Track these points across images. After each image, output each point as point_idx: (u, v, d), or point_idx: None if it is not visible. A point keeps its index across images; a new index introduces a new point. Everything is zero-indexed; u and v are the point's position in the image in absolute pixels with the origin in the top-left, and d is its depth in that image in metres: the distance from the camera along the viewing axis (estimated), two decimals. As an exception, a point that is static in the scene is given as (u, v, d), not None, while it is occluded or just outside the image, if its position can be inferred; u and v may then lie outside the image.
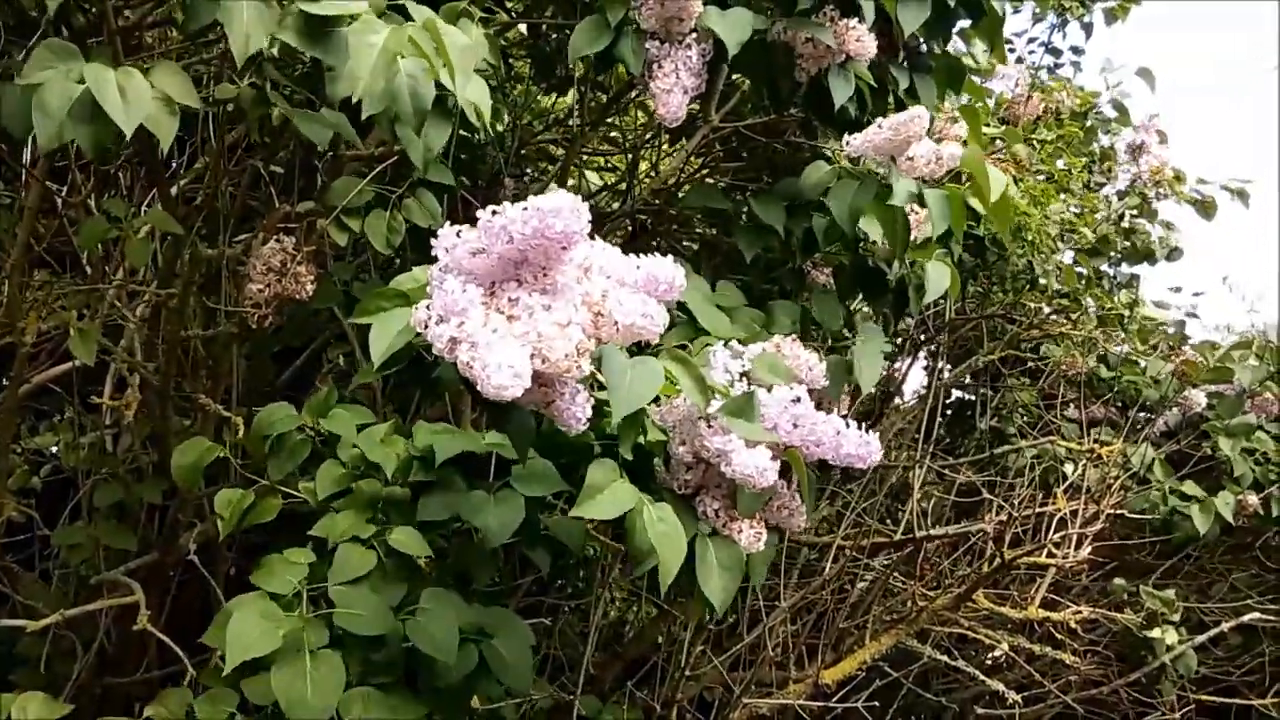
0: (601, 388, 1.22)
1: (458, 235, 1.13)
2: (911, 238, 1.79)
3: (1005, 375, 3.02)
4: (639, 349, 1.27)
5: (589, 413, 1.19)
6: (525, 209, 1.08)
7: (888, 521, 2.81)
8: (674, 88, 1.67)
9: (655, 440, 1.38)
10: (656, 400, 1.34)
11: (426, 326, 1.10)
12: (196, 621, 1.71)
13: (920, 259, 1.89)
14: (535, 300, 1.11)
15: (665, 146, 2.39)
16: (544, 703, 2.12)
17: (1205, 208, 3.04)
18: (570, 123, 2.28)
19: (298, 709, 1.20)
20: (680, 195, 2.19)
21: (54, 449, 1.80)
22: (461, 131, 1.63)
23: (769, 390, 1.32)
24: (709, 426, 1.29)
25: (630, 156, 2.40)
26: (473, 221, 1.15)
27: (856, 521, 2.62)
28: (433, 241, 1.15)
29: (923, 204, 1.74)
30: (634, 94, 2.16)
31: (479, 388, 1.07)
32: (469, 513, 1.42)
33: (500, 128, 1.87)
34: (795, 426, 1.31)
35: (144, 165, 1.58)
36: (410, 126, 1.23)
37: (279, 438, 1.51)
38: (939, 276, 1.87)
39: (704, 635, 2.45)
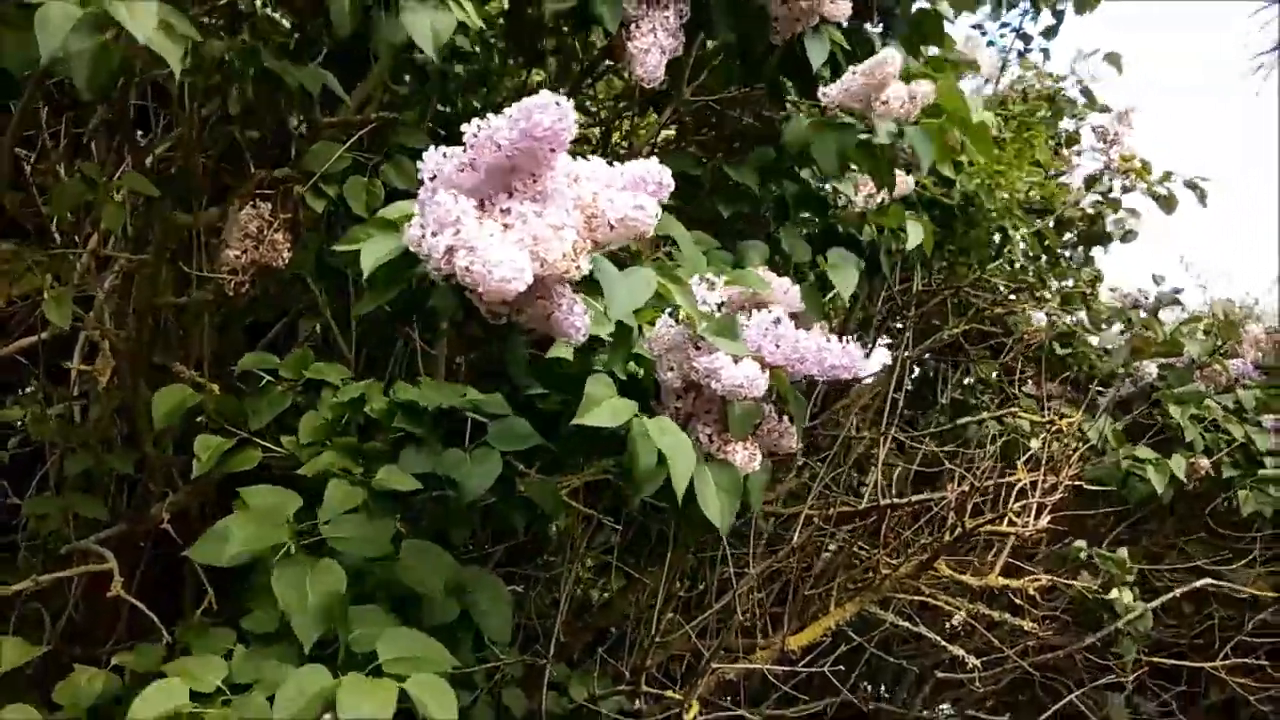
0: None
1: (443, 155, 1.13)
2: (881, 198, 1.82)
3: (967, 349, 3.08)
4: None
5: (588, 322, 1.20)
6: (510, 114, 1.08)
7: (852, 494, 2.85)
8: (652, 47, 1.68)
9: (645, 369, 1.39)
10: (642, 330, 1.36)
11: (420, 243, 1.10)
12: (167, 594, 1.70)
13: (888, 223, 1.92)
14: (528, 207, 1.11)
15: (638, 120, 2.39)
16: (514, 670, 2.14)
17: (1166, 202, 3.13)
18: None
19: (299, 613, 1.20)
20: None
21: (20, 422, 1.77)
22: (440, 107, 1.63)
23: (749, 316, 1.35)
24: (696, 349, 1.31)
25: (603, 128, 2.40)
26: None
27: (822, 493, 2.66)
28: (418, 165, 1.15)
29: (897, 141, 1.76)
30: (606, 66, 2.16)
31: (481, 288, 1.07)
32: (447, 467, 1.44)
33: (477, 102, 1.86)
34: (778, 346, 1.33)
35: (117, 132, 1.55)
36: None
37: (260, 389, 1.51)
38: (915, 231, 1.90)
39: (673, 604, 2.48)
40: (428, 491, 1.46)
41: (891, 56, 1.67)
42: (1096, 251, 3.17)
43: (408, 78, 1.73)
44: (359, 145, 1.54)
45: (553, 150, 1.10)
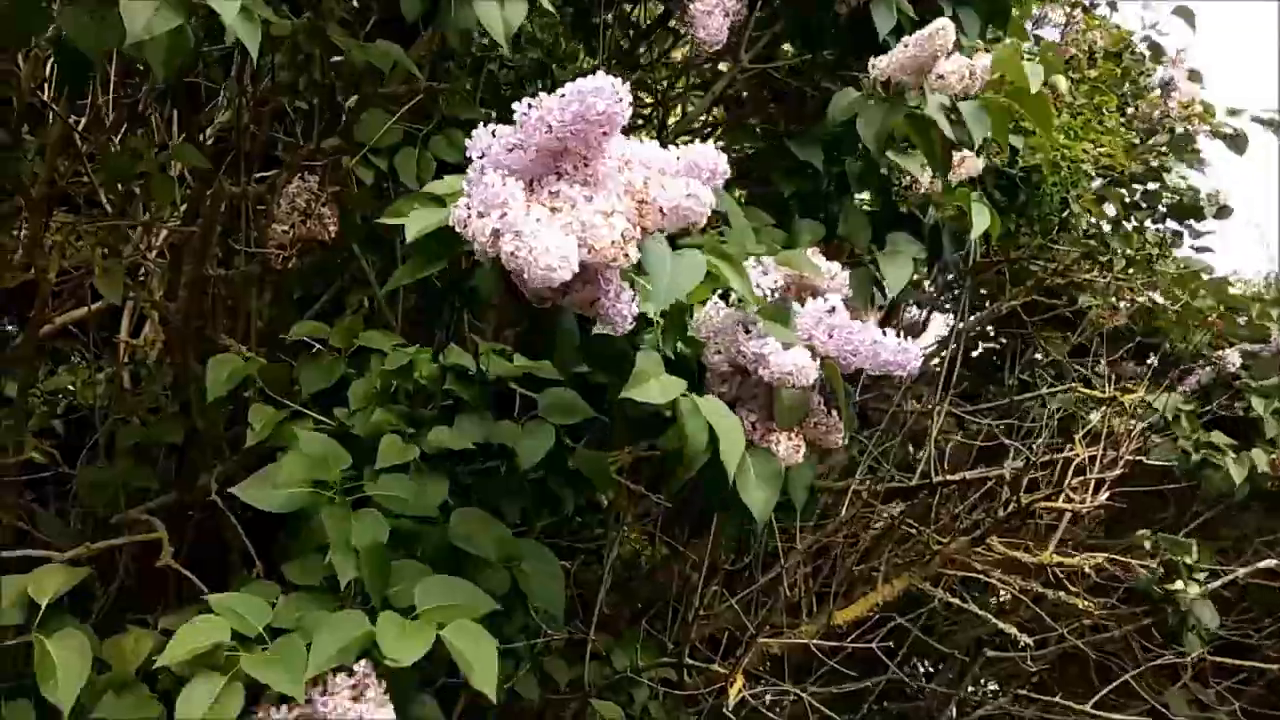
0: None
1: (493, 134, 1.10)
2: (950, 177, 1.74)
3: (1030, 324, 2.98)
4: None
5: (635, 309, 1.16)
6: (563, 94, 1.04)
7: (904, 469, 2.80)
8: (714, 9, 1.62)
9: (694, 350, 1.35)
10: (691, 311, 1.32)
11: (466, 224, 1.07)
12: (215, 564, 1.71)
13: (952, 201, 1.84)
14: (577, 191, 1.07)
15: (693, 93, 2.32)
16: (557, 642, 2.14)
17: (1236, 142, 2.97)
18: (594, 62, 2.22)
19: (342, 549, 1.19)
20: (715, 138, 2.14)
21: (71, 391, 1.79)
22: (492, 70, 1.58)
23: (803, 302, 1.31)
24: (746, 333, 1.27)
25: (659, 104, 2.33)
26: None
27: (872, 467, 2.61)
28: (467, 143, 1.12)
29: (952, 120, 1.68)
30: (664, 40, 2.10)
31: (526, 274, 1.04)
32: (500, 437, 1.42)
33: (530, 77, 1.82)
34: (830, 336, 1.29)
35: (172, 103, 1.54)
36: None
37: (310, 359, 1.51)
38: (980, 216, 1.82)
39: (718, 577, 2.46)
40: (478, 462, 1.45)
41: (945, 26, 1.58)
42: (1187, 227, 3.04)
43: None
44: (408, 116, 1.51)
45: (605, 134, 1.06)
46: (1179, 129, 2.94)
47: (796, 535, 2.38)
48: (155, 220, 1.61)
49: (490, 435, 1.43)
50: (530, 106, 1.06)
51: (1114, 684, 2.83)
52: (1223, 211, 2.98)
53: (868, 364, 1.31)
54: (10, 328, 1.96)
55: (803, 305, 1.31)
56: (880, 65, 1.65)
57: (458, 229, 1.08)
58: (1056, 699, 2.73)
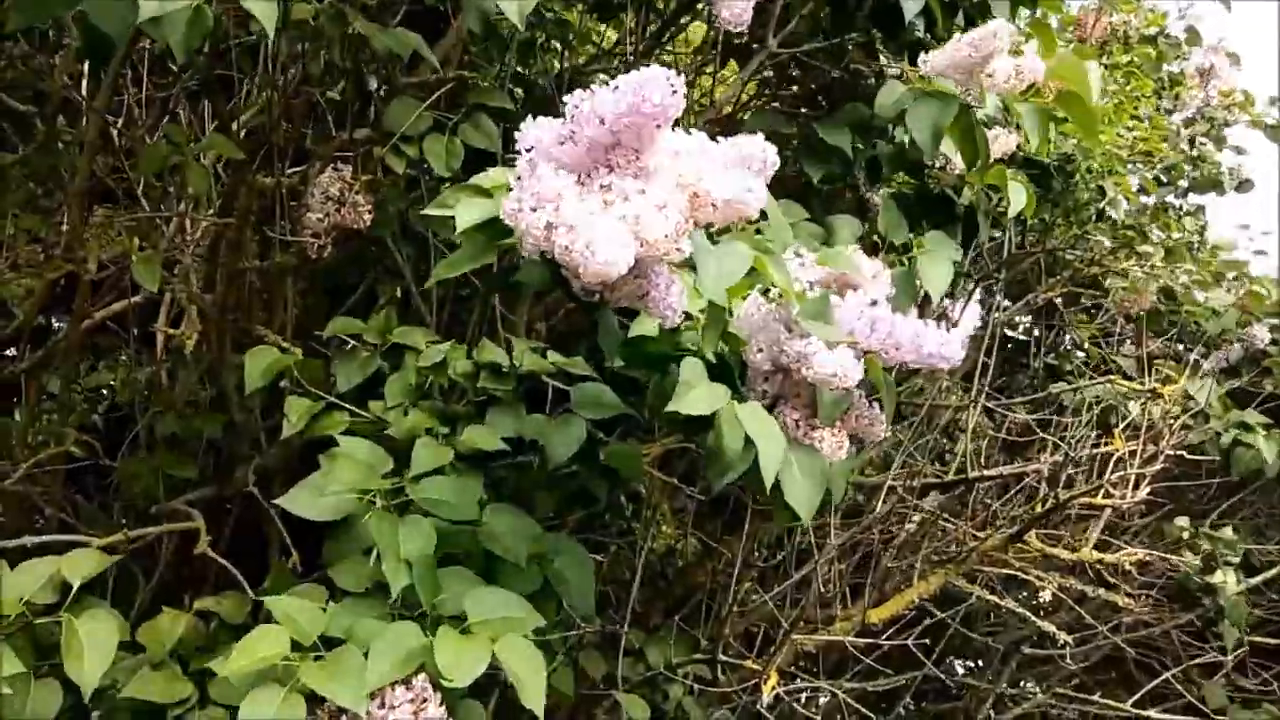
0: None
1: (541, 128, 1.10)
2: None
3: (1062, 313, 2.95)
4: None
5: (685, 302, 1.16)
6: (617, 88, 1.04)
7: (938, 463, 2.77)
8: (739, -8, 1.60)
9: (734, 348, 1.34)
10: (730, 310, 1.31)
11: (517, 217, 1.07)
12: (253, 556, 1.72)
13: (988, 180, 1.82)
14: (629, 184, 1.07)
15: (722, 74, 2.31)
16: (590, 636, 2.14)
17: (1276, 132, 2.92)
18: (623, 48, 2.22)
19: (393, 560, 1.19)
20: (741, 121, 2.13)
21: (111, 382, 1.81)
22: (517, 69, 1.59)
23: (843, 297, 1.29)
24: (789, 331, 1.26)
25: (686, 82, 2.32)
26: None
27: (906, 462, 2.59)
28: (516, 135, 1.12)
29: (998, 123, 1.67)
30: (687, 21, 2.09)
31: (581, 269, 1.03)
32: (531, 431, 1.42)
33: (551, 57, 1.82)
34: (873, 330, 1.27)
35: (204, 96, 1.56)
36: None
37: (345, 353, 1.52)
38: (1017, 195, 1.79)
39: (752, 572, 2.44)
40: (511, 457, 1.45)
41: (1001, 29, 1.58)
42: (1208, 199, 2.98)
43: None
44: (437, 105, 1.52)
45: (659, 126, 1.06)
46: (1219, 116, 2.89)
47: (831, 531, 2.35)
48: (190, 212, 1.63)
49: (522, 430, 1.43)
50: (582, 99, 1.06)
51: (1155, 682, 2.78)
52: (1244, 185, 2.93)
53: (911, 358, 1.29)
54: (55, 323, 2.00)
55: (843, 299, 1.30)
56: (933, 61, 1.64)
57: (509, 222, 1.08)
58: (1096, 697, 2.69)
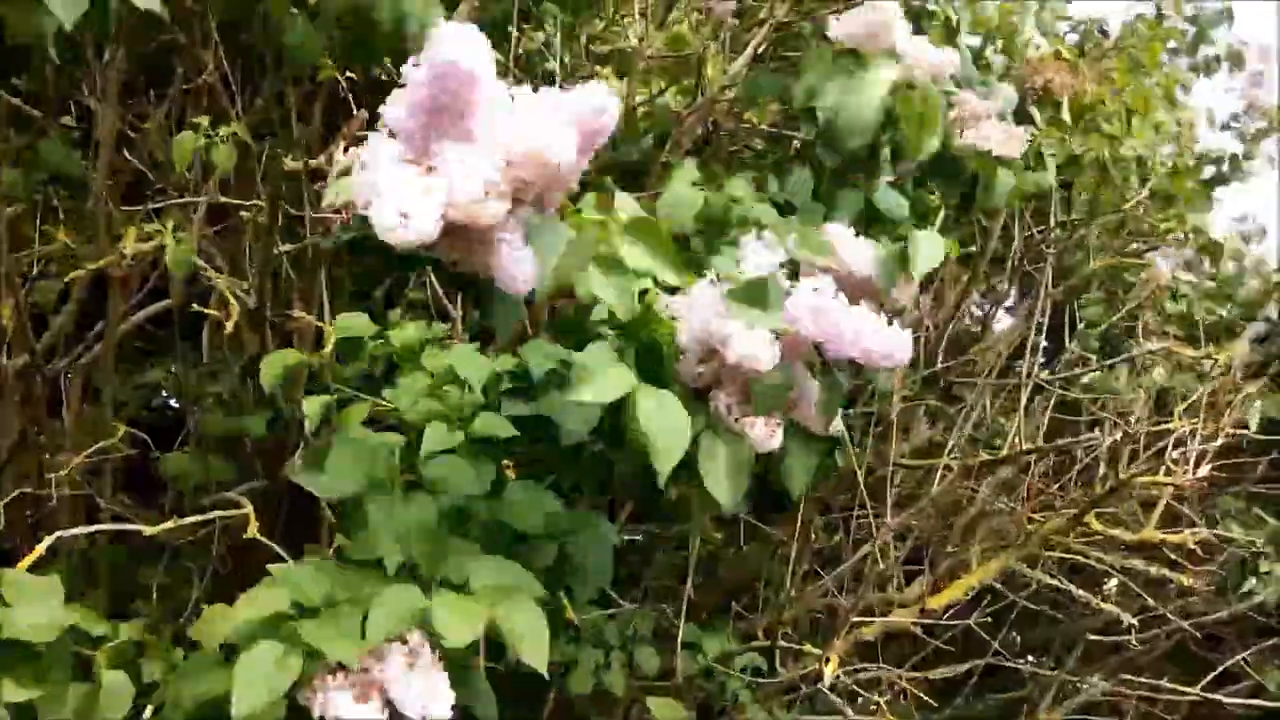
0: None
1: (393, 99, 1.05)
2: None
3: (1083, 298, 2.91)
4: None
5: (532, 271, 1.08)
6: (427, 48, 0.99)
7: (989, 447, 2.71)
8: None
9: (665, 331, 1.29)
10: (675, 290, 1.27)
11: (356, 190, 1.03)
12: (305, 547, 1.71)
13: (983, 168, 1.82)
14: (450, 149, 1.01)
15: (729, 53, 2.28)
16: (646, 628, 2.11)
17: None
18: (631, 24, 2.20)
19: (387, 538, 1.19)
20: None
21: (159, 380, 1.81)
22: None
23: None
24: (721, 315, 1.21)
25: (697, 58, 2.29)
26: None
27: (958, 444, 2.54)
28: (385, 105, 1.06)
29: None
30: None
31: (383, 238, 0.98)
32: (545, 409, 1.38)
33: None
34: (815, 321, 1.22)
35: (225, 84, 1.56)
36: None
37: (357, 347, 1.51)
38: (1005, 179, 1.80)
39: (806, 560, 2.40)
40: (528, 434, 1.42)
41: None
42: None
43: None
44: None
45: (471, 85, 0.99)
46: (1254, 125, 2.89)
47: (888, 512, 2.30)
48: (216, 197, 1.62)
49: (535, 408, 1.39)
50: (414, 64, 1.01)
51: (1223, 666, 2.71)
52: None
53: (852, 352, 1.24)
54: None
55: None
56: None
57: (355, 199, 1.04)
58: (1164, 682, 2.61)
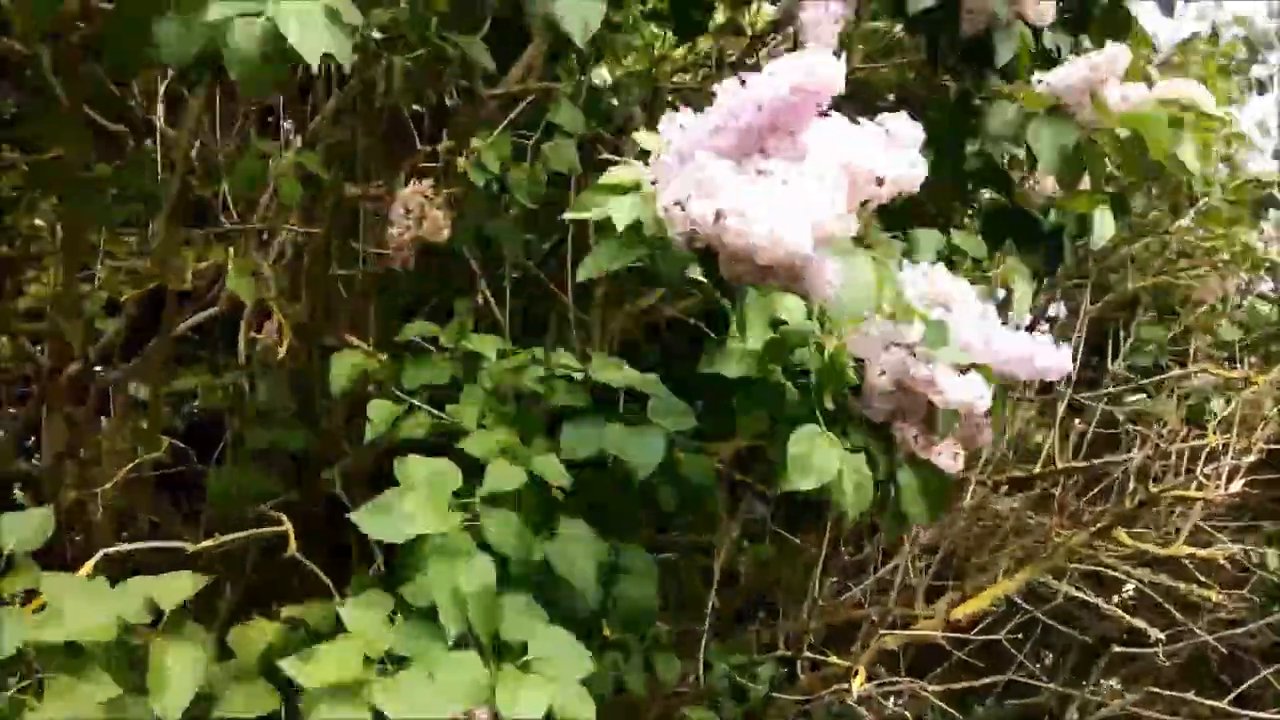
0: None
1: (682, 123, 1.10)
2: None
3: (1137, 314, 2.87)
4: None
5: (840, 278, 1.11)
6: (771, 70, 1.04)
7: (1022, 461, 2.70)
8: (824, 19, 1.57)
9: (840, 364, 1.33)
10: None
11: (670, 210, 1.06)
12: (340, 561, 1.74)
13: (1074, 207, 1.79)
14: (788, 168, 1.05)
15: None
16: (667, 637, 2.12)
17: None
18: (704, 69, 2.19)
19: (449, 600, 1.21)
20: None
21: (196, 391, 1.84)
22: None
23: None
24: (913, 355, 1.26)
25: None
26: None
27: (990, 459, 2.53)
28: (660, 128, 1.12)
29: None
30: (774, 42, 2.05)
31: (759, 257, 1.02)
32: (611, 445, 1.41)
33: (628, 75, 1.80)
34: (986, 345, 1.28)
35: (289, 112, 1.57)
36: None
37: (418, 357, 1.53)
38: (1105, 224, 1.80)
39: (833, 570, 2.41)
40: (586, 468, 1.43)
41: (1121, 52, 1.59)
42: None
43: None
44: (515, 124, 1.51)
45: (818, 106, 1.04)
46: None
47: (914, 528, 2.31)
48: (276, 222, 1.64)
49: (600, 443, 1.42)
50: (736, 86, 1.05)
51: (1250, 681, 2.69)
52: None
53: (1023, 371, 1.31)
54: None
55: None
56: (1051, 81, 1.64)
57: (664, 216, 1.06)
58: (1189, 695, 2.60)
